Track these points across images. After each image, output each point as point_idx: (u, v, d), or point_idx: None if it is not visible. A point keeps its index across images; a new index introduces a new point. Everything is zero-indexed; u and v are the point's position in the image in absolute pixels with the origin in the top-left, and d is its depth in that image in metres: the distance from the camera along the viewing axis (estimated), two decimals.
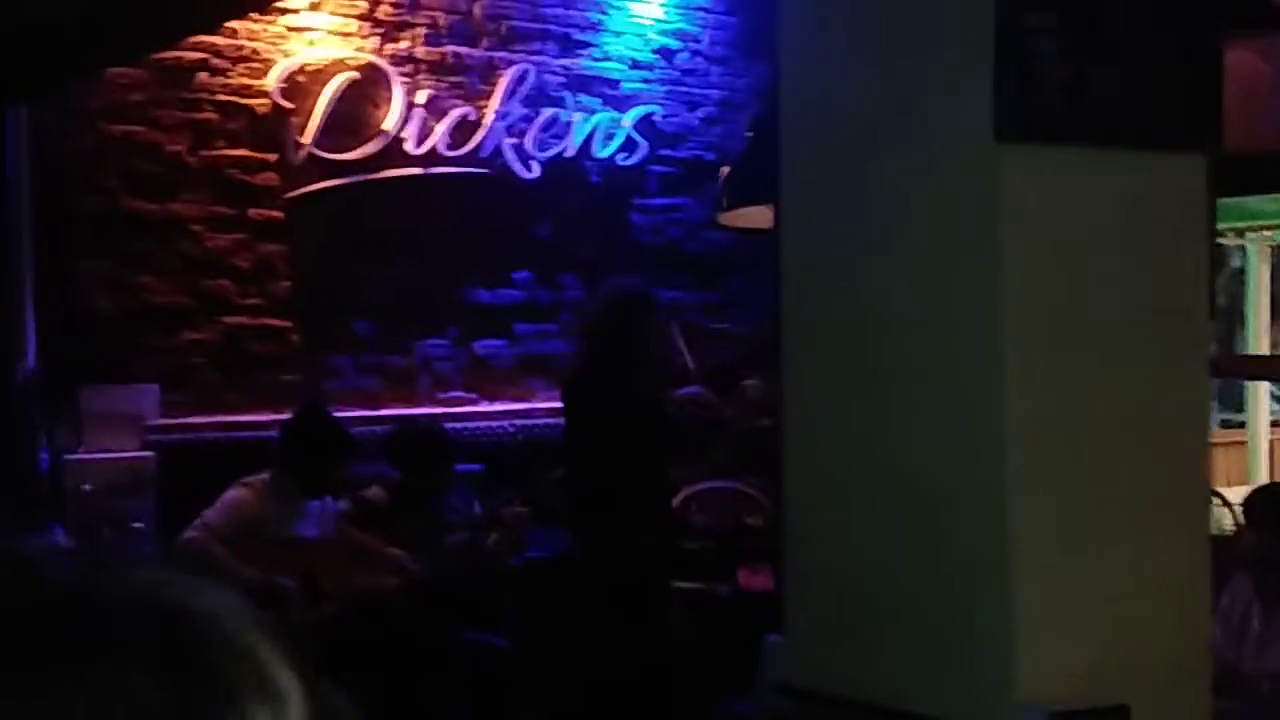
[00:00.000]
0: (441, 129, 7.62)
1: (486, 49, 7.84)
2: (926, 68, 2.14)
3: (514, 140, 7.86)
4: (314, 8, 7.27)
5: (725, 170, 4.73)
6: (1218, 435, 9.14)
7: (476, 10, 7.83)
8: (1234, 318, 9.35)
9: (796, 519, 2.44)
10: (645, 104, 8.34)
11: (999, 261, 2.06)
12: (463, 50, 7.76)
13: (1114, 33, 2.07)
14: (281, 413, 6.77)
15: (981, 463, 2.10)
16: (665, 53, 8.47)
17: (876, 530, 2.27)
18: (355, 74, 7.37)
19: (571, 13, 8.13)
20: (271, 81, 7.17)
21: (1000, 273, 2.06)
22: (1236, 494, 5.82)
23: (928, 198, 2.15)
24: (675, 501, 6.76)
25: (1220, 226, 6.32)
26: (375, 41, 7.49)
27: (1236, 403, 9.12)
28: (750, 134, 4.91)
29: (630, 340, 5.49)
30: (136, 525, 6.34)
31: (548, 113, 7.98)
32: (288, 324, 7.30)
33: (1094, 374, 2.15)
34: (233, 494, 5.31)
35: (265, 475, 5.40)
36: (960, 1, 2.07)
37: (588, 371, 5.62)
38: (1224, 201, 3.97)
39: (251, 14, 6.90)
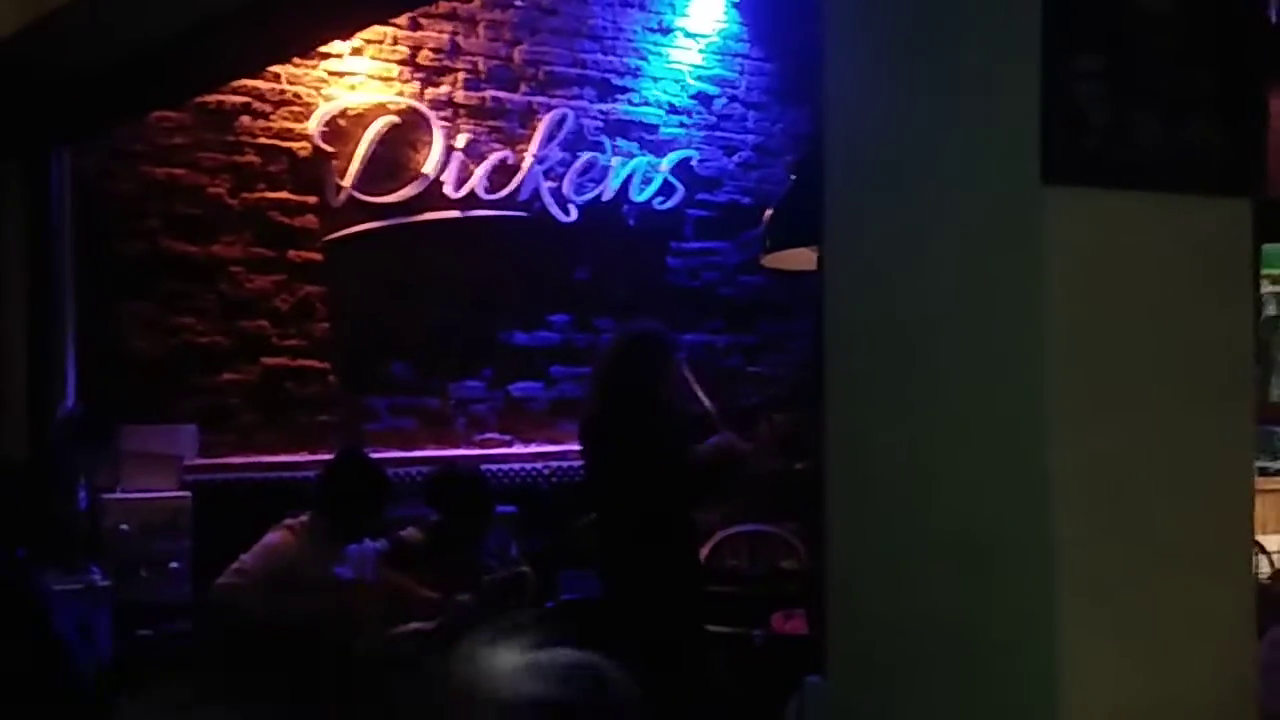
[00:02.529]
0: (480, 172, 7.67)
1: (525, 94, 7.90)
2: (972, 109, 2.15)
3: (552, 184, 7.91)
4: (356, 53, 7.34)
5: (768, 212, 4.71)
6: (1256, 483, 9.04)
7: (516, 56, 7.89)
8: (1269, 365, 9.28)
9: (839, 561, 2.43)
10: (683, 149, 8.39)
11: (1045, 306, 2.06)
12: (502, 95, 7.82)
13: (1161, 76, 2.08)
14: (319, 454, 6.81)
15: (1027, 508, 2.09)
16: (703, 98, 8.51)
17: (920, 574, 2.26)
18: (395, 118, 7.44)
19: (610, 58, 8.19)
20: (313, 125, 7.24)
21: (1046, 317, 2.06)
22: (1274, 541, 5.78)
23: (973, 240, 2.15)
24: (709, 545, 6.74)
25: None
26: (416, 86, 7.55)
27: (1274, 450, 9.04)
28: (793, 175, 4.91)
29: (647, 381, 5.40)
30: (173, 565, 6.36)
31: (585, 157, 8.03)
32: (326, 365, 7.34)
33: (1139, 420, 2.15)
34: (273, 537, 5.32)
35: (305, 517, 5.41)
36: (1006, 43, 2.08)
37: (605, 414, 5.53)
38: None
39: (294, 59, 6.97)
